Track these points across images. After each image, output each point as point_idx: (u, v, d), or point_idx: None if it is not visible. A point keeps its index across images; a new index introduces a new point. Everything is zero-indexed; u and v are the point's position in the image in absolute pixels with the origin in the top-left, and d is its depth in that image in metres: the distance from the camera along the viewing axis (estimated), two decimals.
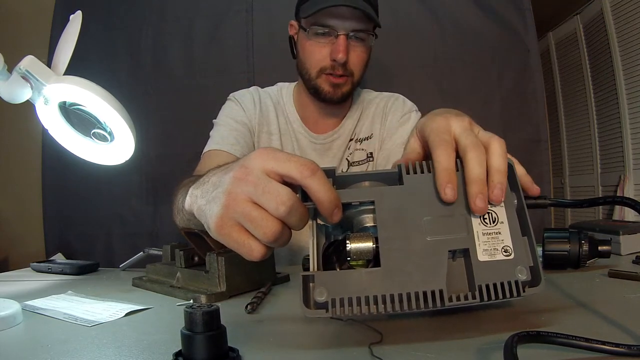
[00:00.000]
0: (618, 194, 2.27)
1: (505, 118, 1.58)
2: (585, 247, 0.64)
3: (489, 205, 0.39)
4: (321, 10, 0.85)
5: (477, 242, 0.38)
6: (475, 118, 0.46)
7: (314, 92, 0.94)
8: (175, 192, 0.69)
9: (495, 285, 0.37)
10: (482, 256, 0.38)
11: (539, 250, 0.67)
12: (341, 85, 0.92)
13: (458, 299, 0.37)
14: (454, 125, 0.43)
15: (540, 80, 1.62)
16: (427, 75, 1.58)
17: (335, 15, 0.87)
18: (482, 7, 1.59)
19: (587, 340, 0.33)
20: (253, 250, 0.39)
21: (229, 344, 0.37)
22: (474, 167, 0.39)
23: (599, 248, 0.65)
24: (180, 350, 0.35)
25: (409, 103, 1.06)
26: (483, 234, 0.39)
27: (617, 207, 2.15)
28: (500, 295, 0.37)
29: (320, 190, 0.38)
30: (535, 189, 0.44)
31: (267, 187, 0.37)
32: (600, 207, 2.25)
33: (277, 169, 0.38)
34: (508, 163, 0.42)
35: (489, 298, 0.37)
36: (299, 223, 0.38)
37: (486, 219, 0.39)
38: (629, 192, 2.22)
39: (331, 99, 0.93)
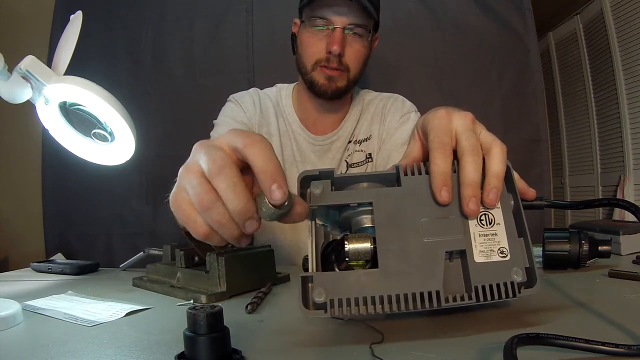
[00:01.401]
0: (618, 194, 2.27)
1: (505, 118, 1.58)
2: (586, 247, 0.64)
3: (485, 207, 0.40)
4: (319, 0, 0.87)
5: (473, 244, 0.39)
6: (476, 118, 0.46)
7: (310, 86, 0.94)
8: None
9: (491, 286, 0.37)
10: (478, 257, 0.38)
11: (539, 250, 0.68)
12: (335, 78, 0.92)
13: (454, 299, 0.37)
14: (455, 123, 0.43)
15: (540, 80, 1.62)
16: (427, 75, 1.58)
17: (333, 9, 0.88)
18: (482, 7, 1.59)
19: (586, 341, 0.33)
20: (197, 227, 0.37)
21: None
22: (470, 171, 0.40)
23: (599, 248, 0.65)
24: (182, 352, 0.35)
25: (409, 103, 1.06)
26: (479, 235, 0.39)
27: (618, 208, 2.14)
28: (496, 296, 0.37)
29: (256, 159, 0.35)
30: (531, 193, 0.44)
31: (211, 153, 0.36)
32: (601, 207, 2.25)
33: (229, 141, 0.37)
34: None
35: (485, 299, 0.37)
36: (227, 190, 0.35)
37: (482, 220, 0.40)
38: (629, 192, 2.22)
39: (325, 93, 0.93)
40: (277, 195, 0.35)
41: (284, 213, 0.36)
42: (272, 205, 0.35)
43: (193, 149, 0.39)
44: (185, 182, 0.37)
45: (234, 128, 0.40)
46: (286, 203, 0.36)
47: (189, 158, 0.39)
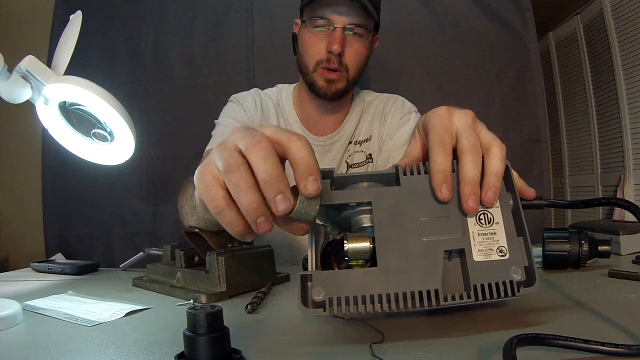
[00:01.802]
0: (618, 194, 2.27)
1: (505, 118, 1.58)
2: (585, 247, 0.64)
3: (484, 207, 0.40)
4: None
5: (472, 243, 0.39)
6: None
7: (310, 87, 0.95)
8: (180, 191, 0.69)
9: (490, 285, 0.37)
10: (477, 256, 0.38)
11: (539, 250, 0.68)
12: (335, 81, 0.92)
13: (453, 298, 0.37)
14: (456, 121, 0.43)
15: (540, 80, 1.63)
16: (427, 75, 1.58)
17: (333, 8, 0.88)
18: (482, 7, 1.59)
19: (586, 341, 0.33)
20: (214, 198, 0.36)
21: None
22: (469, 169, 0.40)
23: (599, 248, 0.65)
24: (182, 352, 0.35)
25: (409, 104, 1.06)
26: (478, 235, 0.39)
27: (617, 207, 2.14)
28: (495, 295, 0.37)
29: (300, 151, 0.35)
30: (530, 192, 0.44)
31: (248, 134, 0.36)
32: (600, 207, 2.25)
33: (272, 133, 0.37)
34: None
35: (484, 298, 0.37)
36: (260, 159, 0.34)
37: (482, 219, 0.40)
38: (629, 192, 2.22)
39: (325, 95, 0.93)
40: (312, 186, 0.34)
41: (309, 213, 0.36)
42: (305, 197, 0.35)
43: (231, 133, 0.38)
44: (217, 154, 0.37)
45: (237, 127, 0.40)
46: (315, 203, 0.36)
47: (225, 139, 0.38)
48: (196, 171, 0.38)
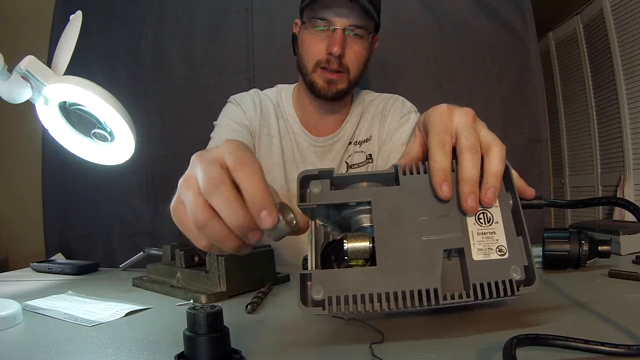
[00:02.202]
0: (618, 194, 2.27)
1: (505, 118, 1.58)
2: (585, 247, 0.64)
3: (483, 206, 0.40)
4: (320, 0, 0.87)
5: (472, 242, 0.39)
6: None
7: (310, 88, 0.94)
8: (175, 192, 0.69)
9: (489, 284, 0.37)
10: (476, 255, 0.38)
11: (539, 250, 0.68)
12: (335, 81, 0.92)
13: (452, 297, 0.37)
14: (456, 120, 0.43)
15: (540, 80, 1.63)
16: (427, 75, 1.58)
17: (333, 10, 0.88)
18: (482, 7, 1.59)
19: (586, 341, 0.33)
20: (199, 241, 0.39)
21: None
22: (468, 168, 0.40)
23: (599, 248, 0.65)
24: (182, 352, 0.35)
25: (408, 104, 1.06)
26: (478, 234, 0.39)
27: (617, 207, 2.14)
28: (495, 294, 0.37)
29: (245, 184, 0.36)
30: (529, 192, 0.44)
31: (207, 169, 0.36)
32: (600, 207, 2.25)
33: (224, 158, 0.38)
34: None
35: (483, 297, 0.37)
36: (223, 206, 0.35)
37: (481, 218, 0.40)
38: (629, 192, 2.22)
39: (325, 95, 0.93)
40: (267, 222, 0.35)
41: (295, 229, 0.39)
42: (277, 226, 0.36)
43: (191, 160, 0.39)
44: (183, 196, 0.38)
45: (229, 139, 0.40)
46: (294, 222, 0.38)
47: (188, 170, 0.39)
48: (171, 209, 0.40)
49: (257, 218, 0.35)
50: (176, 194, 0.40)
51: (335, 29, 0.88)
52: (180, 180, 0.39)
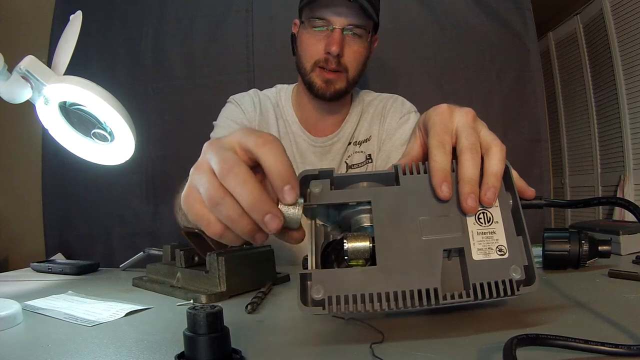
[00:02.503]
0: (618, 194, 2.27)
1: (505, 118, 1.58)
2: (585, 247, 0.64)
3: (483, 206, 0.40)
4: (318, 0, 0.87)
5: (471, 242, 0.39)
6: None
7: (309, 87, 0.94)
8: (177, 190, 0.69)
9: (489, 284, 0.37)
10: (476, 255, 0.38)
11: (539, 250, 0.68)
12: (334, 81, 0.92)
13: (452, 297, 0.37)
14: (456, 120, 0.43)
15: (540, 80, 1.63)
16: (427, 75, 1.58)
17: (332, 9, 0.88)
18: (482, 7, 1.59)
19: (586, 341, 0.33)
20: (210, 225, 0.37)
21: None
22: (468, 168, 0.40)
23: (599, 248, 0.65)
24: (182, 352, 0.35)
25: (408, 104, 1.06)
26: (478, 234, 0.39)
27: (617, 207, 2.14)
28: (495, 294, 0.37)
29: (269, 159, 0.36)
30: (530, 192, 0.44)
31: (220, 153, 0.36)
32: (600, 207, 2.25)
33: (240, 141, 0.38)
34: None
35: (483, 296, 0.37)
36: (237, 186, 0.35)
37: (481, 218, 0.40)
38: (629, 192, 2.22)
39: (323, 95, 0.93)
40: (289, 196, 0.35)
41: (296, 220, 0.37)
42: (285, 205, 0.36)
43: (203, 148, 0.39)
44: (196, 181, 0.37)
45: (244, 127, 0.40)
46: (298, 208, 0.37)
47: (200, 157, 0.39)
48: (182, 196, 0.39)
49: (280, 192, 0.35)
50: (187, 182, 0.39)
51: (333, 28, 0.88)
52: (192, 168, 0.39)
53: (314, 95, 0.95)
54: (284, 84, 1.08)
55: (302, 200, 0.38)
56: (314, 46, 0.91)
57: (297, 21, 0.98)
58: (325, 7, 0.88)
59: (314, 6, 0.89)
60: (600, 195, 2.44)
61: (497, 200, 0.40)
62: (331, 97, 0.93)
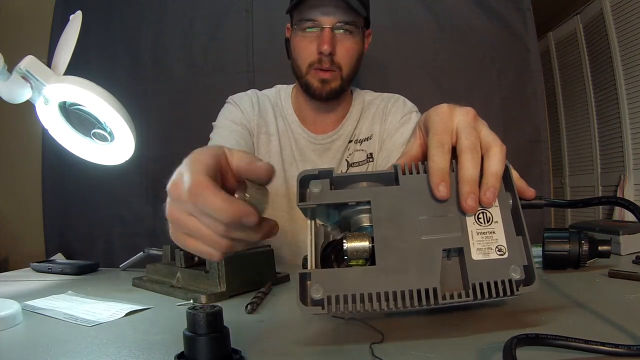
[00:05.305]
0: (618, 194, 2.27)
1: (505, 118, 1.58)
2: (585, 247, 0.64)
3: (482, 206, 0.40)
4: (304, 1, 0.88)
5: (471, 241, 0.39)
6: None
7: (306, 89, 0.95)
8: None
9: (488, 283, 0.37)
10: (476, 255, 0.38)
11: (539, 250, 0.68)
12: (329, 80, 0.92)
13: (452, 297, 0.37)
14: (457, 119, 0.43)
15: (540, 80, 1.62)
16: (427, 75, 1.58)
17: (320, 9, 0.88)
18: (482, 7, 1.58)
19: (586, 341, 0.33)
20: (214, 256, 0.40)
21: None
22: (467, 168, 0.40)
23: (599, 248, 0.65)
24: (182, 352, 0.35)
25: (409, 104, 1.06)
26: (477, 233, 0.39)
27: (617, 207, 2.14)
28: (494, 294, 0.37)
29: (233, 160, 0.40)
30: (529, 192, 0.44)
31: (203, 204, 0.37)
32: (600, 207, 2.25)
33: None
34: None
35: (483, 296, 0.37)
36: (208, 207, 0.36)
37: (480, 218, 0.40)
38: (629, 192, 2.22)
39: (320, 95, 0.94)
40: (261, 168, 0.39)
41: (264, 198, 0.40)
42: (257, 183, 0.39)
43: (169, 188, 0.41)
44: (189, 231, 0.39)
45: (197, 151, 0.42)
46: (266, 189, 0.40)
47: (168, 199, 0.40)
48: (170, 233, 0.42)
49: (252, 166, 0.39)
50: (167, 202, 0.41)
51: (323, 28, 0.88)
52: (167, 187, 0.41)
53: (311, 97, 0.95)
54: (283, 84, 1.08)
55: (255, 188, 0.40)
56: (306, 48, 0.91)
57: (289, 25, 0.98)
58: (313, 8, 0.89)
59: (302, 8, 0.89)
60: (600, 195, 2.44)
61: (497, 200, 0.40)
62: (327, 97, 0.94)
